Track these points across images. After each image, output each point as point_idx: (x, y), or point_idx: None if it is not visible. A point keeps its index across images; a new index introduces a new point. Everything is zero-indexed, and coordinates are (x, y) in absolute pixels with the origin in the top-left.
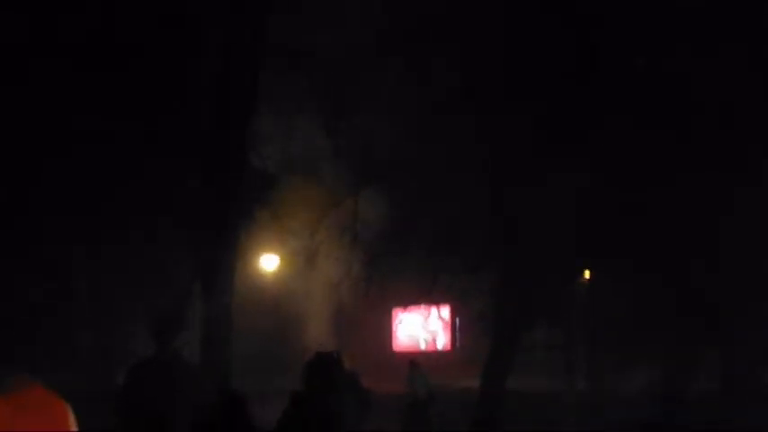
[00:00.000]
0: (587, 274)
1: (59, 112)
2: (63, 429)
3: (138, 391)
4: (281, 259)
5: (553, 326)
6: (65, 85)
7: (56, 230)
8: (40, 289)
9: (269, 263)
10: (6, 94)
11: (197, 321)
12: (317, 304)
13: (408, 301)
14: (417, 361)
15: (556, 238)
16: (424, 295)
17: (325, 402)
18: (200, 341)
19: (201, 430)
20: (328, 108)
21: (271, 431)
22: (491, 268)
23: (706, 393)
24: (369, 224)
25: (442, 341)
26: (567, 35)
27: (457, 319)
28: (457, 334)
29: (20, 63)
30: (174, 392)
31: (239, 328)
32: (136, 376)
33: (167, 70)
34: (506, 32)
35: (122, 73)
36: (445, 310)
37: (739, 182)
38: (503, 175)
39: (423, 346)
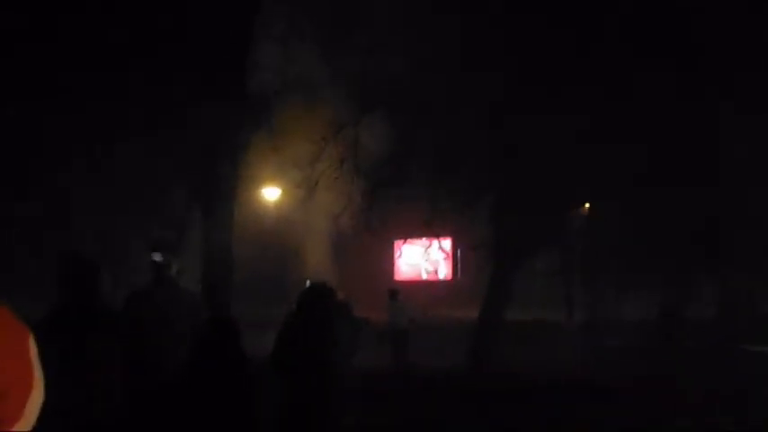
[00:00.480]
0: (586, 203)
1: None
2: (18, 352)
3: (135, 319)
4: (283, 191)
5: (552, 254)
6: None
7: (55, 154)
8: (41, 215)
9: (270, 194)
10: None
11: (198, 247)
12: (317, 235)
13: (409, 231)
14: (396, 290)
15: (554, 166)
16: (425, 226)
17: (318, 328)
18: (201, 267)
19: (193, 354)
20: (327, 34)
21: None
22: (491, 197)
23: (703, 319)
24: (369, 153)
25: (444, 271)
26: None
27: (458, 250)
28: (458, 264)
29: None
30: (172, 319)
31: (240, 258)
32: (132, 304)
33: None
34: None
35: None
36: (446, 242)
37: (741, 108)
38: (503, 101)
39: (424, 277)
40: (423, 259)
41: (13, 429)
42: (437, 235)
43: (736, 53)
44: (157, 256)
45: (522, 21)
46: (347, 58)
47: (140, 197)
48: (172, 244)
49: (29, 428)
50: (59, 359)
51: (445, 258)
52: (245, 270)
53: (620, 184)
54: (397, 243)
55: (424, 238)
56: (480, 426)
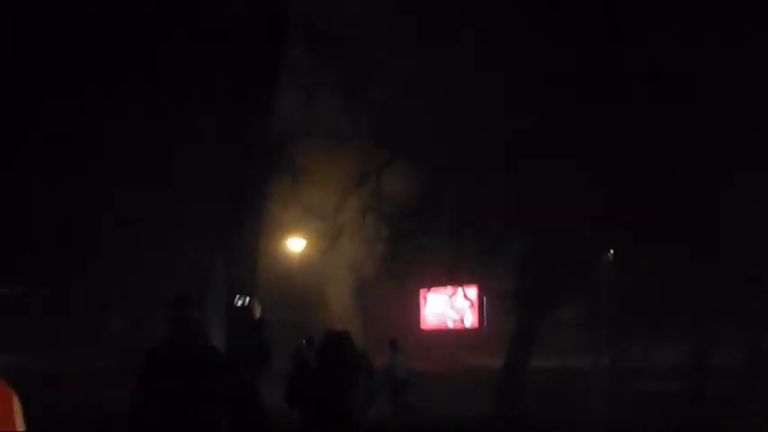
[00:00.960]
0: (612, 252)
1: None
2: (3, 418)
3: (153, 374)
4: (307, 241)
5: (578, 304)
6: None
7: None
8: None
9: (295, 245)
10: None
11: (221, 300)
12: (342, 285)
13: (434, 280)
14: (396, 340)
15: (579, 215)
16: (450, 274)
17: (334, 375)
18: (225, 325)
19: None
20: (349, 85)
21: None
22: (516, 244)
23: (731, 367)
24: (392, 203)
25: (470, 320)
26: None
27: (484, 298)
28: (484, 313)
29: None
30: (192, 374)
31: (264, 308)
32: (151, 359)
33: (193, 38)
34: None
35: (151, 42)
36: (472, 290)
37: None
38: (525, 151)
39: (450, 325)
40: (448, 307)
41: None
42: (461, 283)
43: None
44: (174, 314)
45: (544, 58)
46: (369, 108)
47: (166, 247)
48: (186, 300)
49: None
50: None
51: (470, 306)
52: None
53: (647, 231)
54: (422, 292)
55: (448, 287)
56: None
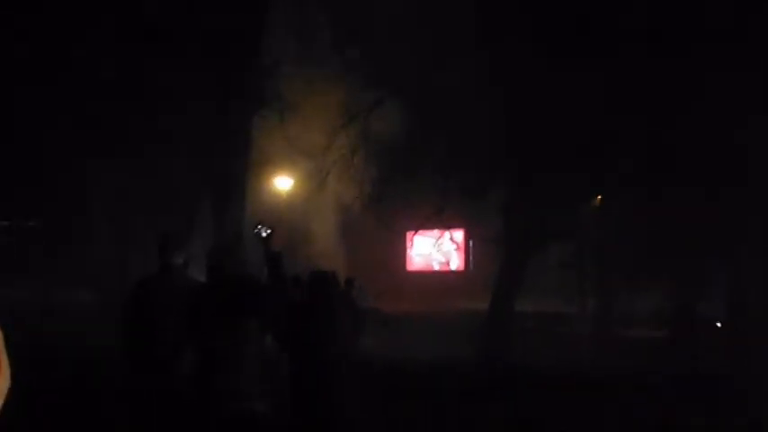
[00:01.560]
0: (598, 195)
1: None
2: None
3: (138, 305)
4: (295, 180)
5: (564, 247)
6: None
7: (69, 143)
8: (59, 204)
9: (283, 184)
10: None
11: (210, 235)
12: (329, 225)
13: (421, 223)
14: (353, 280)
15: (567, 157)
16: (437, 217)
17: (320, 316)
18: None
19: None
20: (339, 24)
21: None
22: (503, 188)
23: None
24: (380, 143)
25: (456, 263)
26: None
27: (470, 241)
28: (471, 256)
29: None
30: (174, 305)
31: (250, 247)
32: (137, 292)
33: None
34: None
35: None
36: (458, 233)
37: (754, 108)
38: (514, 93)
39: (436, 268)
40: (434, 250)
41: None
42: (448, 226)
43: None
44: (161, 249)
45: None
46: (359, 48)
47: (153, 187)
48: (175, 236)
49: None
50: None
51: (457, 249)
52: (255, 258)
53: (633, 178)
54: (409, 234)
55: (435, 230)
56: (482, 418)
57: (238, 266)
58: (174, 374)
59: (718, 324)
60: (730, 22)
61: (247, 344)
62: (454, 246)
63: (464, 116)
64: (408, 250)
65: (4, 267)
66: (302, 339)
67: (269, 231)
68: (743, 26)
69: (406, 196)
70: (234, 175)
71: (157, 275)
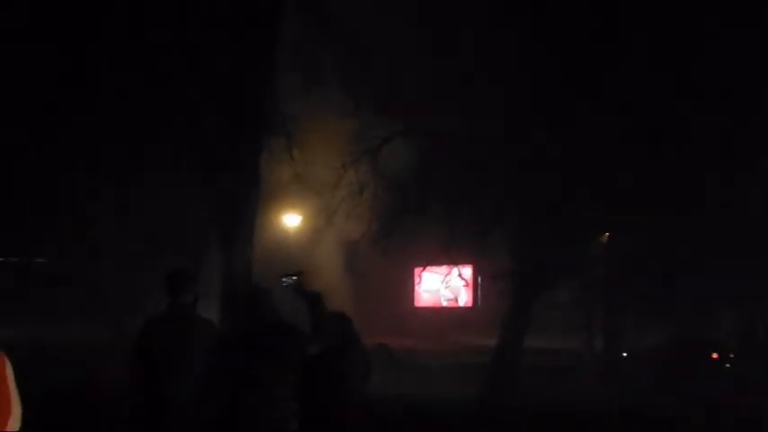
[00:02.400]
0: (607, 234)
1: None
2: None
3: (149, 345)
4: (304, 217)
5: (573, 285)
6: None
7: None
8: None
9: (291, 221)
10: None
11: (216, 277)
12: (336, 262)
13: (429, 259)
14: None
15: (574, 194)
16: (444, 253)
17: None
18: (221, 296)
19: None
20: (347, 62)
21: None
22: (511, 225)
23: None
24: (389, 180)
25: (465, 299)
26: None
27: (479, 278)
28: (479, 292)
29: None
30: (186, 344)
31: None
32: (148, 330)
33: (192, 21)
34: None
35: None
36: (466, 269)
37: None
38: (521, 132)
39: (445, 303)
40: (442, 286)
41: None
42: (457, 263)
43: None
44: (170, 289)
45: (545, 35)
46: (369, 84)
47: (161, 223)
48: (184, 276)
49: None
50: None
51: (465, 286)
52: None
53: (641, 214)
54: (417, 270)
55: (443, 266)
56: None
57: (272, 311)
58: (190, 417)
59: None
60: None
61: (279, 389)
62: (462, 282)
63: (473, 152)
64: (416, 286)
65: (15, 306)
66: (322, 381)
67: (294, 278)
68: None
69: (414, 233)
70: (242, 211)
71: (168, 314)
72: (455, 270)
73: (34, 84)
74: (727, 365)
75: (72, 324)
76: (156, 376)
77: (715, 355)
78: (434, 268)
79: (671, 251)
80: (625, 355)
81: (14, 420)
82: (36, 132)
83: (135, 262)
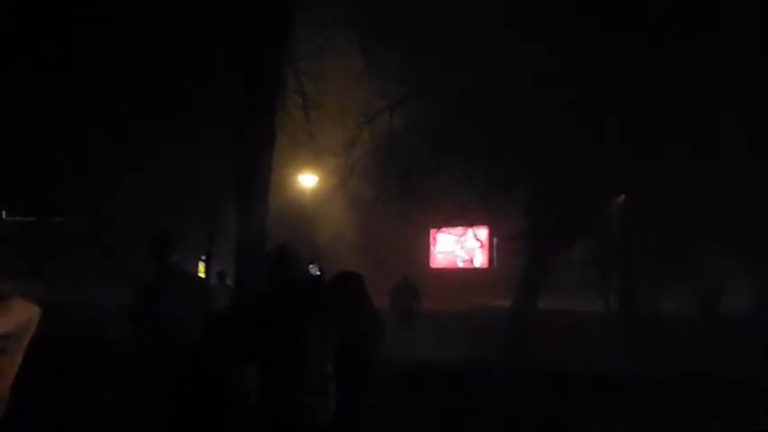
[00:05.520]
0: (623, 194)
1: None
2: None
3: (148, 308)
4: (320, 178)
5: (589, 245)
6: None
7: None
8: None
9: (307, 181)
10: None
11: (232, 236)
12: (352, 222)
13: (444, 220)
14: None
15: (593, 155)
16: (460, 214)
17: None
18: (234, 252)
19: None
20: (364, 20)
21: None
22: (527, 186)
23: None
24: (404, 140)
25: (480, 260)
26: None
27: (494, 239)
28: (494, 253)
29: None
30: (183, 303)
31: (274, 243)
32: (141, 294)
33: None
34: None
35: None
36: (482, 231)
37: None
38: (543, 89)
39: (460, 265)
40: (458, 247)
41: None
42: (472, 223)
43: None
44: (155, 251)
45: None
46: (384, 44)
47: (177, 183)
48: (169, 237)
49: None
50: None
51: (480, 247)
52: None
53: (659, 176)
54: (432, 231)
55: (458, 227)
56: (503, 415)
57: (300, 272)
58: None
59: None
60: None
61: (322, 350)
62: (478, 243)
63: (492, 110)
64: (432, 247)
65: (33, 266)
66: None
67: (319, 273)
68: None
69: (429, 193)
70: (257, 170)
71: (160, 276)
72: (470, 231)
73: (57, 52)
74: None
75: (91, 285)
76: (161, 339)
77: None
78: (449, 229)
79: (688, 215)
80: None
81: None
82: (56, 95)
83: (151, 222)
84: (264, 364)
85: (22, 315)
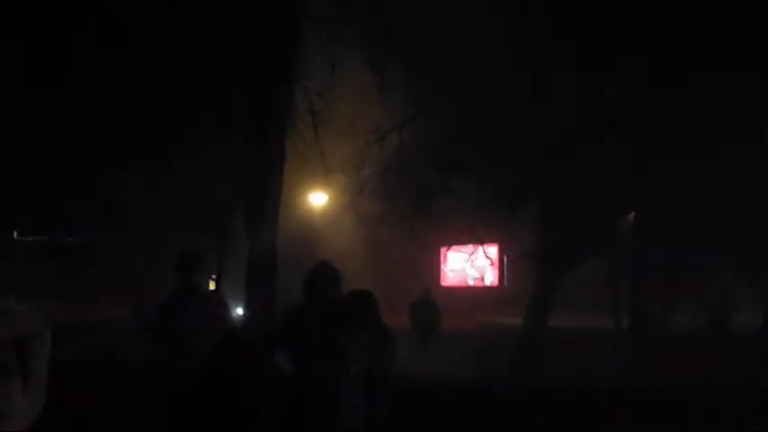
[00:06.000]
0: (633, 213)
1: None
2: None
3: (166, 322)
4: (330, 196)
5: (599, 263)
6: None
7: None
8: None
9: (317, 200)
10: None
11: (242, 251)
12: (362, 240)
13: (454, 238)
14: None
15: (602, 173)
16: (470, 232)
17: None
18: (245, 278)
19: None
20: (374, 41)
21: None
22: (537, 204)
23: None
24: (414, 158)
25: (490, 278)
26: None
27: (505, 257)
28: (505, 271)
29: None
30: (204, 321)
31: (284, 260)
32: (163, 308)
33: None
34: None
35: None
36: (492, 249)
37: None
38: (548, 111)
39: (470, 283)
40: (468, 265)
41: None
42: (482, 242)
43: None
44: (179, 269)
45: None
46: (393, 62)
47: (187, 202)
48: (193, 257)
49: None
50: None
51: (491, 265)
52: (288, 273)
53: (667, 192)
54: (443, 250)
55: (469, 245)
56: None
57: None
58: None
59: None
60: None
61: (347, 370)
62: (488, 261)
63: (500, 127)
64: (442, 266)
65: (42, 284)
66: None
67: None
68: None
69: (439, 212)
70: (267, 189)
71: (183, 293)
72: (481, 249)
73: (57, 57)
74: None
75: (99, 303)
76: (180, 354)
77: None
78: (460, 247)
79: (698, 230)
80: None
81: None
82: (61, 109)
83: (161, 241)
84: (299, 370)
85: (22, 327)
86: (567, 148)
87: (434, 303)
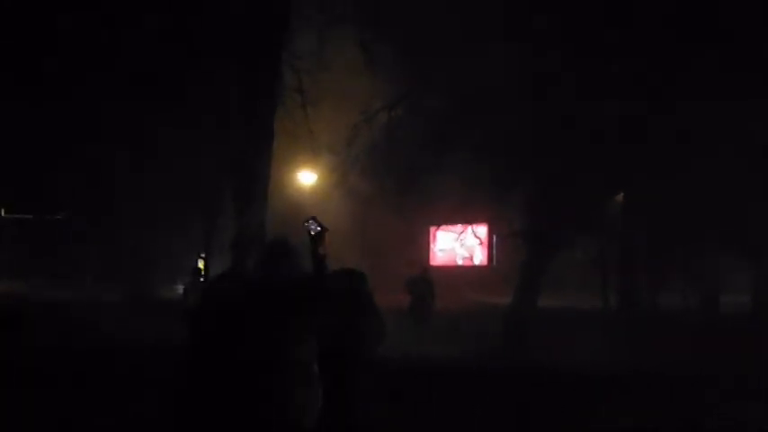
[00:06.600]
0: (622, 192)
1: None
2: None
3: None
4: (319, 175)
5: (589, 243)
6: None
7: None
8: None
9: (306, 179)
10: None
11: (231, 230)
12: (352, 219)
13: (444, 218)
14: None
15: (592, 154)
16: (459, 212)
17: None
18: (231, 253)
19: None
20: (363, 18)
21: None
22: (527, 184)
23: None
24: (404, 138)
25: (479, 257)
26: None
27: (494, 236)
28: (494, 251)
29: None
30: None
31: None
32: (212, 289)
33: None
34: None
35: None
36: (481, 228)
37: None
38: (540, 91)
39: (459, 262)
40: (457, 245)
41: None
42: (471, 221)
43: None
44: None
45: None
46: (383, 41)
47: (177, 182)
48: (251, 241)
49: None
50: None
51: (480, 244)
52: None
53: (656, 174)
54: (432, 229)
55: (458, 225)
56: (500, 412)
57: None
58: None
59: None
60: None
61: (286, 355)
62: (477, 241)
63: (492, 109)
64: (431, 245)
65: (29, 263)
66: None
67: (319, 229)
68: None
69: (429, 191)
70: (256, 168)
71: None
72: (470, 228)
73: (51, 42)
74: None
75: (91, 282)
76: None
77: None
78: (449, 227)
79: (686, 212)
80: None
81: None
82: (55, 91)
83: (151, 221)
84: (241, 355)
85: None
86: (559, 132)
87: (430, 281)
